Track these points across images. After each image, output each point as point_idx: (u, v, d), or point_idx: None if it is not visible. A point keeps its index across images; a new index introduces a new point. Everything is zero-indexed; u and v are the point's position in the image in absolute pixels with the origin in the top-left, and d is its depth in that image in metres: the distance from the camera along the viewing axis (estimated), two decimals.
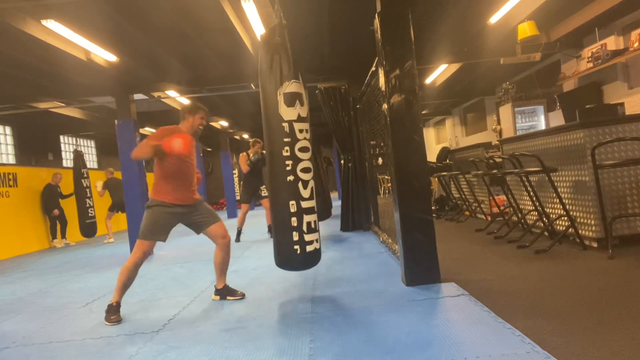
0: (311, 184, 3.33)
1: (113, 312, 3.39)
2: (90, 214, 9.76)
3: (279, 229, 3.33)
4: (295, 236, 3.25)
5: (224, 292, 3.74)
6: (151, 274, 5.28)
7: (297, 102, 3.28)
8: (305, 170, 3.29)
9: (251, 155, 7.43)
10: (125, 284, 3.43)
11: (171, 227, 3.49)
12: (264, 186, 7.48)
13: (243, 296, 3.72)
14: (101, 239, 10.26)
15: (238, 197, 19.36)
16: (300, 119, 3.29)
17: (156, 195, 3.41)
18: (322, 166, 7.96)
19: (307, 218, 3.28)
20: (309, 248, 3.30)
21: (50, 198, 9.40)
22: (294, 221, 3.25)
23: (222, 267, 3.72)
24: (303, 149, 3.29)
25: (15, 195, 8.87)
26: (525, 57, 7.35)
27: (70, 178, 9.81)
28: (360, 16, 5.67)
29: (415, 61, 3.50)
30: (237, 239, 7.38)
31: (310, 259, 3.38)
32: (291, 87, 3.27)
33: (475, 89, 11.50)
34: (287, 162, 3.24)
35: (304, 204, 3.28)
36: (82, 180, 9.70)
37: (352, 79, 7.20)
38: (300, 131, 3.28)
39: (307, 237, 3.29)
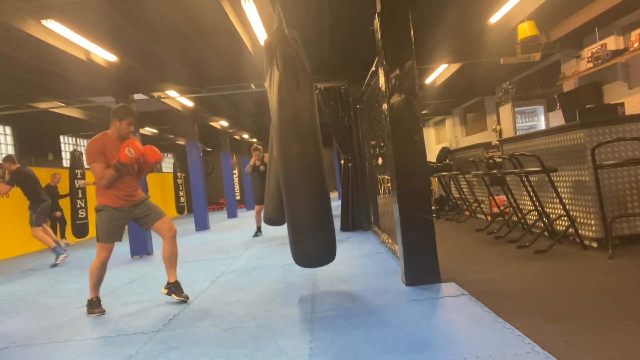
0: None
1: (95, 306, 3.66)
2: (80, 215, 9.76)
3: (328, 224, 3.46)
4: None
5: (173, 288, 3.78)
6: (151, 274, 5.28)
7: None
8: None
9: (257, 162, 7.69)
10: (97, 281, 3.69)
11: (122, 227, 3.71)
12: None
13: (186, 299, 3.74)
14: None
15: (238, 198, 19.46)
16: None
17: (101, 200, 3.60)
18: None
19: None
20: None
21: (50, 199, 9.39)
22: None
23: (171, 260, 3.79)
24: None
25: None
26: (525, 57, 7.34)
27: (67, 178, 9.83)
28: (360, 16, 5.68)
29: (415, 61, 3.50)
30: (255, 235, 7.81)
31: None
32: None
33: (475, 89, 11.49)
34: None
35: None
36: (75, 181, 9.73)
37: (352, 79, 7.20)
38: None
39: None
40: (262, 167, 7.53)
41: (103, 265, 3.64)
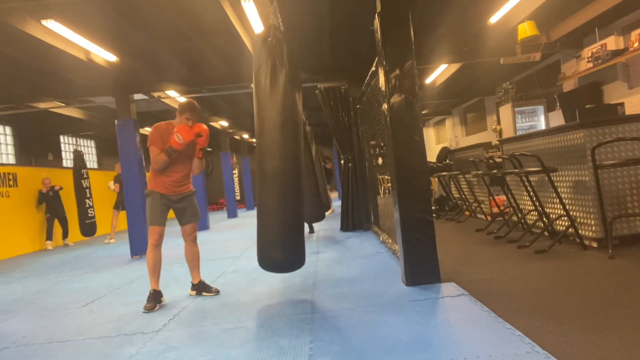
0: None
1: (150, 300, 3.70)
2: (90, 214, 9.76)
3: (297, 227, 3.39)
4: None
5: (199, 288, 3.95)
6: None
7: None
8: None
9: None
10: (154, 269, 3.75)
11: (165, 212, 3.80)
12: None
13: (217, 292, 3.89)
14: (101, 238, 10.27)
15: (238, 198, 19.45)
16: None
17: (150, 185, 3.80)
18: (320, 164, 7.99)
19: None
20: None
21: (45, 203, 9.40)
22: None
23: (193, 263, 3.96)
24: None
25: (15, 195, 8.87)
26: (525, 57, 7.34)
27: (69, 178, 9.81)
28: (360, 16, 5.68)
29: (415, 61, 3.50)
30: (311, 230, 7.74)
31: None
32: None
33: (475, 89, 11.49)
34: None
35: None
36: (82, 181, 9.70)
37: (352, 79, 7.19)
38: None
39: None
40: None
41: (155, 248, 3.73)
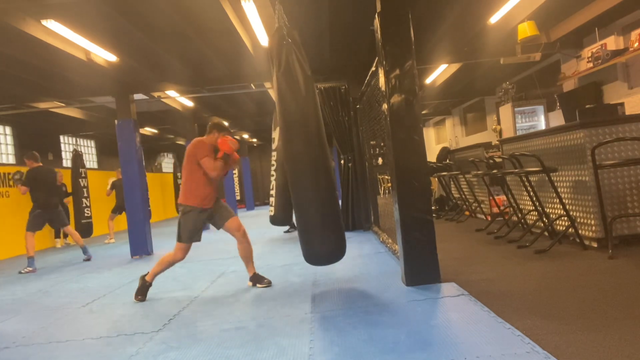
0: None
1: (141, 292, 3.95)
2: (86, 214, 9.75)
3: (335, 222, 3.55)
4: None
5: (254, 279, 4.09)
6: None
7: None
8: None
9: None
10: (160, 271, 3.97)
11: (201, 231, 3.98)
12: None
13: (269, 284, 4.02)
14: (100, 239, 10.26)
15: (238, 198, 19.44)
16: None
17: (189, 201, 3.84)
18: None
19: None
20: None
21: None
22: None
23: (246, 257, 4.10)
24: None
25: (15, 195, 8.87)
26: (525, 57, 7.34)
27: (69, 178, 9.81)
28: (360, 16, 5.68)
29: (415, 61, 3.50)
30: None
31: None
32: None
33: (475, 89, 11.49)
34: None
35: None
36: (80, 180, 9.70)
37: (352, 79, 7.19)
38: None
39: None
40: None
41: (173, 263, 3.93)
